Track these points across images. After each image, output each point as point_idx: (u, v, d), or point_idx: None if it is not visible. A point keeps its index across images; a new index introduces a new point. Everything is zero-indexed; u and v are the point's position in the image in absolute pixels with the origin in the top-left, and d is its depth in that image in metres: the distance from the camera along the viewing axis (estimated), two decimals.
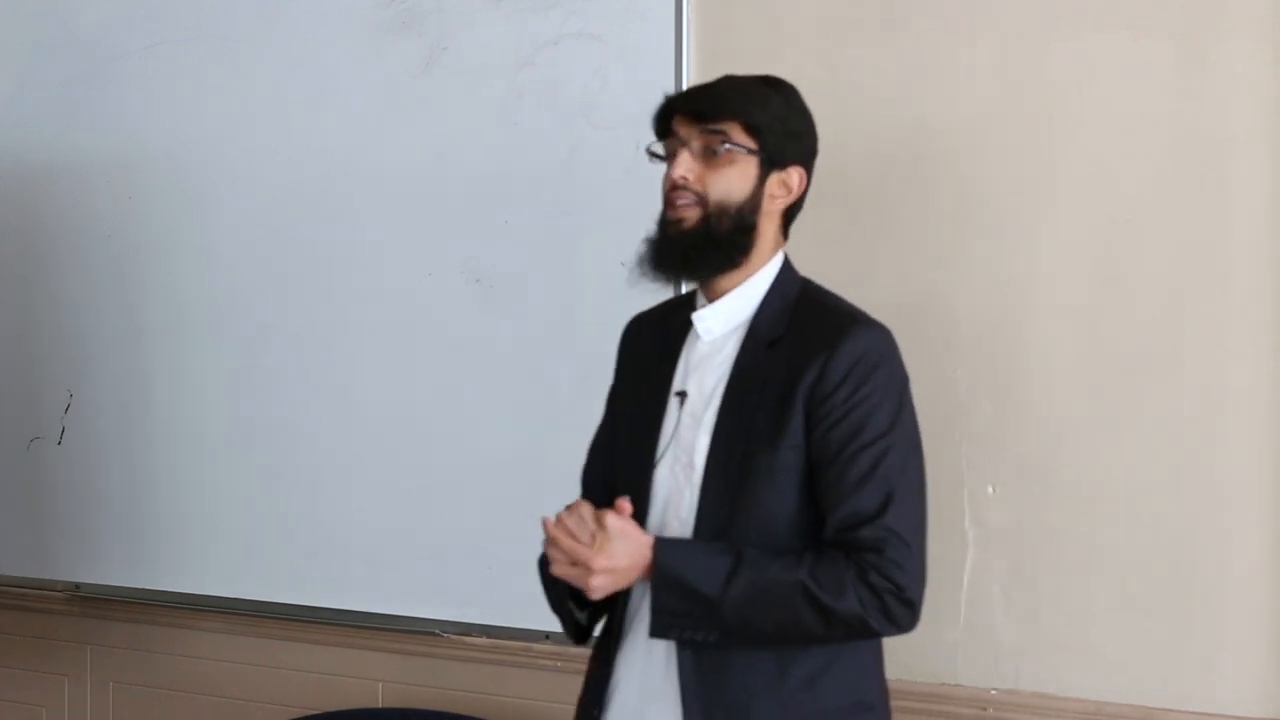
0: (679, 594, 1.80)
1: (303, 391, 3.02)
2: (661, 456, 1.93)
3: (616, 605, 1.96)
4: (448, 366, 2.88)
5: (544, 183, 2.75)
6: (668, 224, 1.91)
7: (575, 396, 2.55)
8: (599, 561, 1.79)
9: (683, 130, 1.90)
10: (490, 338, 2.83)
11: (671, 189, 1.90)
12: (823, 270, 2.52)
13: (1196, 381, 2.30)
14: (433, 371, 2.89)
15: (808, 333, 1.88)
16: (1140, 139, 2.33)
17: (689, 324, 1.95)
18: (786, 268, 1.98)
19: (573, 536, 1.80)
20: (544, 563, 1.92)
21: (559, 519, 1.82)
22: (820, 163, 2.53)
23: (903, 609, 1.83)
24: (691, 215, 1.88)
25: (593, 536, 1.79)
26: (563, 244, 2.74)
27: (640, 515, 1.90)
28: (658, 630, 1.82)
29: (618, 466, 2.02)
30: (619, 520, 1.80)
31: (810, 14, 2.55)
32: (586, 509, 1.82)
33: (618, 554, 1.80)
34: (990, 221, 2.43)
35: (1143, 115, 2.33)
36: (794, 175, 1.94)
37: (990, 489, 2.43)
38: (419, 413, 2.91)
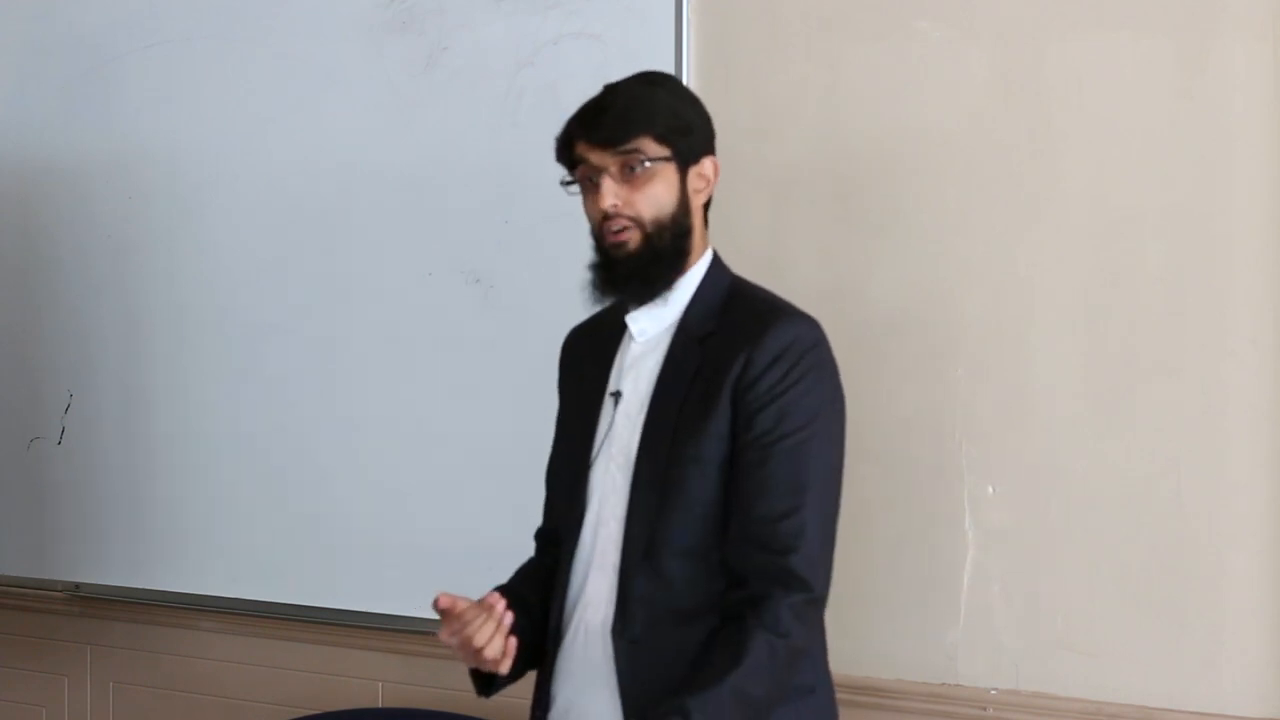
0: None
1: (303, 391, 3.02)
2: (597, 457, 1.96)
3: (554, 605, 1.98)
4: (448, 366, 2.88)
5: (544, 183, 2.74)
6: (612, 249, 1.91)
7: None
8: None
9: (595, 158, 1.90)
10: (490, 338, 2.83)
11: (604, 219, 1.90)
12: (824, 270, 2.54)
13: (1196, 381, 2.30)
14: (433, 371, 2.89)
15: (735, 327, 1.90)
16: (1140, 139, 2.33)
17: (622, 327, 1.98)
18: (715, 263, 1.99)
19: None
20: None
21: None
22: (820, 163, 2.55)
23: (814, 612, 1.86)
24: (633, 238, 1.90)
25: None
26: (563, 244, 2.73)
27: (578, 516, 1.95)
28: None
29: (558, 470, 2.06)
30: None
31: (810, 14, 2.55)
32: None
33: None
34: (990, 221, 2.43)
35: (1142, 115, 2.33)
36: (707, 165, 1.95)
37: (990, 489, 2.43)
38: (419, 413, 2.91)
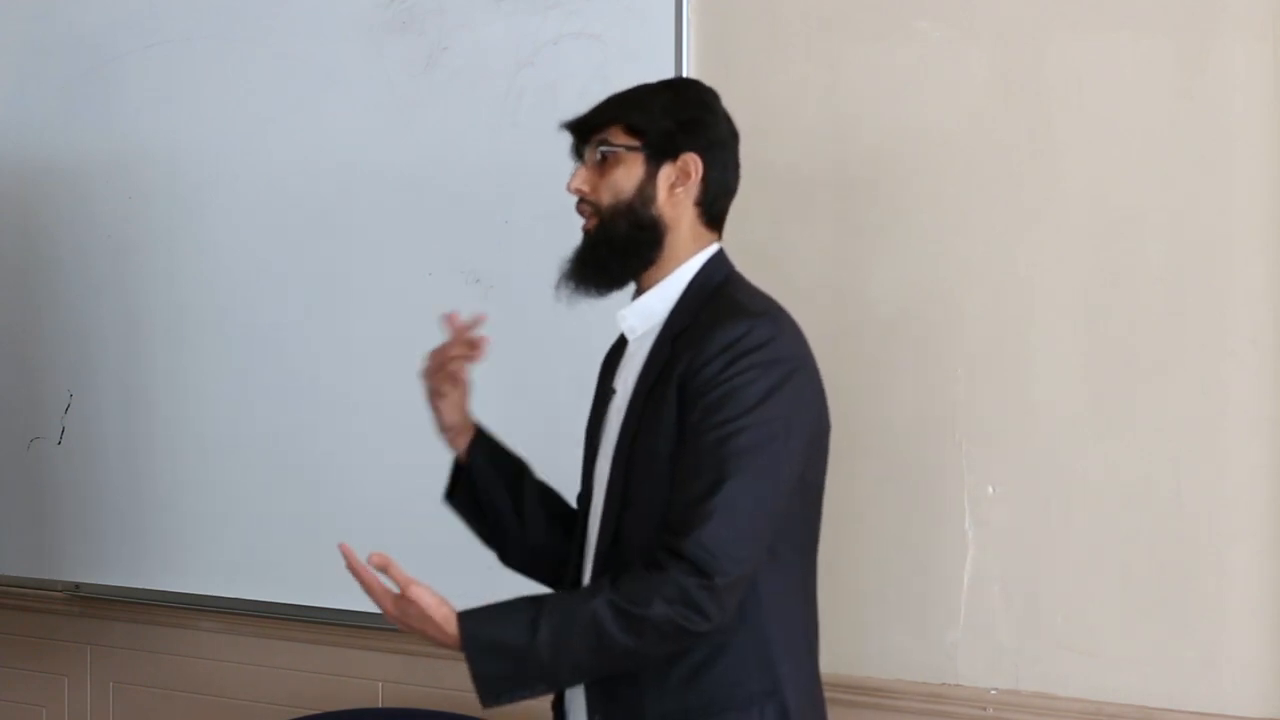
0: (493, 655, 1.80)
1: (303, 391, 3.02)
2: (598, 452, 2.00)
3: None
4: None
5: (544, 183, 2.74)
6: (582, 234, 1.98)
7: (575, 397, 2.54)
8: (393, 612, 1.88)
9: (581, 145, 1.98)
10: (490, 338, 2.82)
11: (576, 205, 1.97)
12: (824, 270, 2.54)
13: (1196, 381, 2.30)
14: None
15: (700, 324, 1.90)
16: (1140, 138, 2.33)
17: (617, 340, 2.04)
18: (713, 262, 1.98)
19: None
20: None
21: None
22: (820, 163, 2.55)
23: (706, 596, 1.77)
24: (592, 224, 1.96)
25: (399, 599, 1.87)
26: (563, 244, 2.72)
27: (585, 507, 2.01)
28: (487, 698, 1.81)
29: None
30: (426, 598, 1.86)
31: (810, 14, 2.55)
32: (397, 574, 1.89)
33: (413, 621, 1.87)
34: (990, 221, 2.43)
35: (1142, 115, 2.33)
36: (689, 163, 1.94)
37: (990, 489, 2.43)
38: (419, 412, 2.89)
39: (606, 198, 1.94)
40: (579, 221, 1.99)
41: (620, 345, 2.10)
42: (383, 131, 2.92)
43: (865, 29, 2.51)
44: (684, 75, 2.61)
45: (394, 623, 1.89)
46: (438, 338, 2.88)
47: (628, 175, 1.93)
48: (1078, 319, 2.37)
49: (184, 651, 3.22)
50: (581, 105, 1.98)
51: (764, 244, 2.54)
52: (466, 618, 1.83)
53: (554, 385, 2.72)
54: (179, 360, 3.16)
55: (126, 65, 3.20)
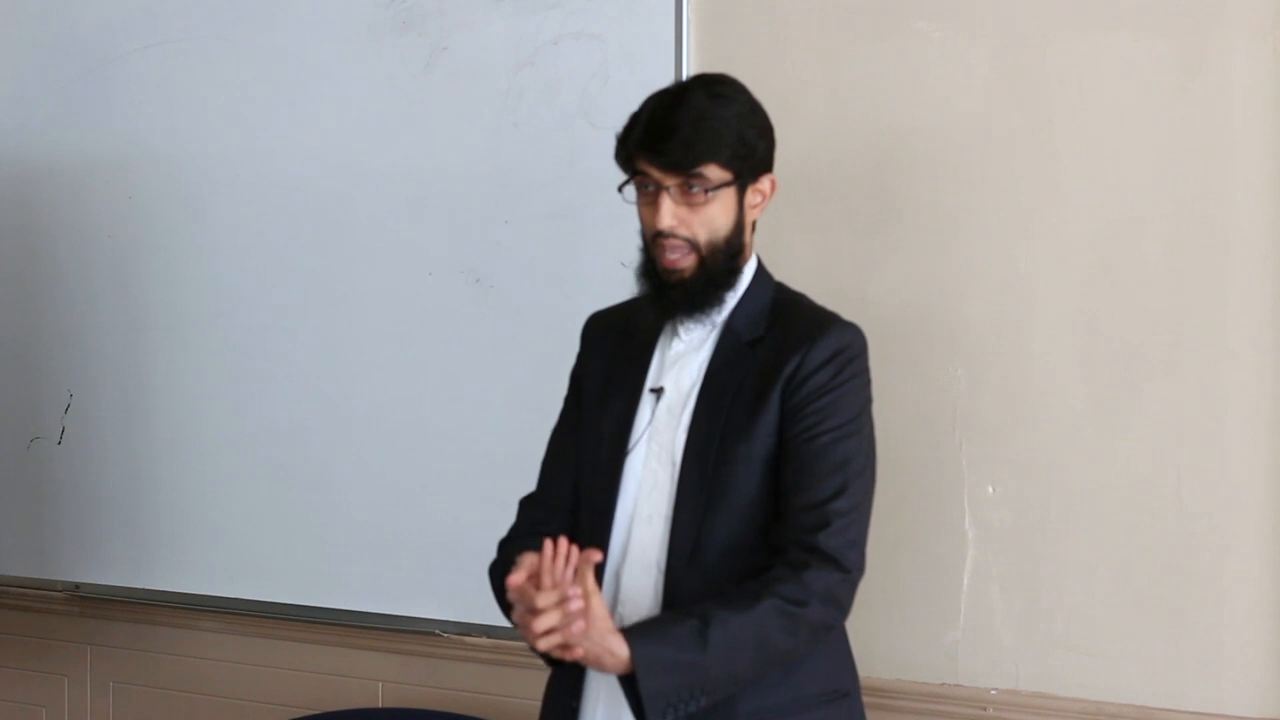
0: (664, 672, 1.78)
1: (303, 391, 3.02)
2: (633, 448, 1.97)
3: None
4: (448, 366, 2.88)
5: (544, 183, 2.75)
6: (665, 274, 1.92)
7: None
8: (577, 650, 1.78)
9: (656, 174, 1.89)
10: (490, 338, 2.83)
11: (658, 236, 1.91)
12: (823, 270, 2.54)
13: (1196, 381, 2.30)
14: (433, 371, 2.90)
15: (788, 331, 1.94)
16: (1140, 138, 2.33)
17: (657, 322, 2.00)
18: (760, 270, 2.02)
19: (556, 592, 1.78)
20: (493, 572, 2.03)
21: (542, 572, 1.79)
22: (820, 163, 2.56)
23: (846, 591, 1.89)
24: (688, 264, 1.91)
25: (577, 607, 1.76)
26: (563, 244, 2.74)
27: (609, 505, 1.96)
28: (654, 716, 1.78)
29: (585, 459, 2.05)
30: (601, 609, 1.78)
31: (810, 14, 2.55)
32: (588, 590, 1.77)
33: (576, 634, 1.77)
34: (990, 221, 2.43)
35: (1143, 114, 2.33)
36: (765, 182, 1.97)
37: (990, 489, 2.44)
38: (419, 413, 2.91)
39: (704, 234, 1.90)
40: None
41: (606, 332, 2.08)
42: (383, 132, 2.92)
43: (865, 29, 2.51)
44: (683, 75, 2.60)
45: (533, 631, 1.78)
46: (437, 337, 2.89)
47: (725, 211, 1.91)
48: (1078, 319, 2.37)
49: (184, 651, 3.22)
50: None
51: (764, 244, 2.52)
52: (635, 635, 1.78)
53: (554, 385, 2.72)
54: (179, 360, 3.16)
55: (126, 65, 3.20)
